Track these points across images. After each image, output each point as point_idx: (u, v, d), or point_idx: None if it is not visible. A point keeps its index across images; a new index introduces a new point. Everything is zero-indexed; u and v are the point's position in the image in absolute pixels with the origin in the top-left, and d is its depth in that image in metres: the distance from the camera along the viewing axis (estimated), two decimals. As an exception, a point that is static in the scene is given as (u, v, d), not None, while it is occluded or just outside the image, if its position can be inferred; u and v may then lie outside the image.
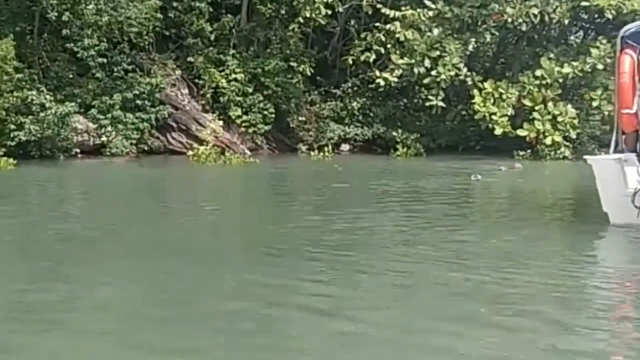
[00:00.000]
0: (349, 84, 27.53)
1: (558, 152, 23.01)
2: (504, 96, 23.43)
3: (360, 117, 27.10)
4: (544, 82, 23.18)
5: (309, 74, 26.70)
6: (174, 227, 10.25)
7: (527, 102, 23.28)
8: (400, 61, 24.42)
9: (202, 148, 22.86)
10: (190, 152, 23.18)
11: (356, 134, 26.66)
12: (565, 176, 19.36)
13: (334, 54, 28.45)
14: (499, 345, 5.12)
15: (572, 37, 27.41)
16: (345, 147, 26.64)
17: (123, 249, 8.40)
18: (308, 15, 25.28)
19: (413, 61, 24.20)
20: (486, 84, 23.87)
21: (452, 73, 23.62)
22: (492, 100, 23.47)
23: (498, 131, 23.34)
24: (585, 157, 10.52)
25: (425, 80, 24.16)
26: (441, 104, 24.10)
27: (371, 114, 27.29)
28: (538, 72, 23.38)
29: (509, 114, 23.44)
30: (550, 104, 23.11)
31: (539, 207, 12.70)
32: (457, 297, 6.42)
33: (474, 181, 16.29)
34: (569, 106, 23.45)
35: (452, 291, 6.68)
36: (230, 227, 10.29)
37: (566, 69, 23.01)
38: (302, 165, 22.32)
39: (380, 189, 14.63)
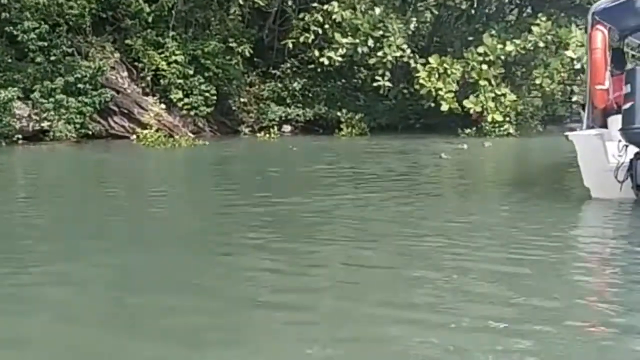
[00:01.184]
0: (288, 65, 27.54)
1: (502, 129, 23.44)
2: (448, 71, 23.67)
3: (301, 98, 27.16)
4: (486, 58, 23.54)
5: (248, 55, 26.53)
6: (140, 216, 9.65)
7: (473, 75, 23.52)
8: (345, 40, 24.46)
9: (146, 131, 22.57)
10: (133, 136, 22.91)
11: (297, 115, 26.70)
12: (527, 152, 19.66)
13: (271, 34, 28.37)
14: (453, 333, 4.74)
15: (509, 15, 27.84)
16: (287, 128, 26.65)
17: (86, 243, 7.54)
18: (249, -6, 25.12)
19: (357, 41, 24.28)
20: (431, 59, 24.10)
21: (398, 54, 23.79)
22: (436, 76, 23.69)
23: (444, 107, 23.65)
24: (566, 133, 10.63)
25: (372, 61, 24.27)
26: (388, 84, 24.22)
27: (311, 95, 27.39)
28: (481, 49, 23.73)
29: (454, 89, 23.71)
30: (493, 82, 23.51)
31: (516, 183, 12.87)
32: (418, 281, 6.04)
33: (444, 159, 16.38)
34: (508, 89, 23.83)
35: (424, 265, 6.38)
36: (200, 214, 9.71)
37: (509, 47, 23.45)
38: (253, 147, 22.11)
39: (355, 170, 14.17)
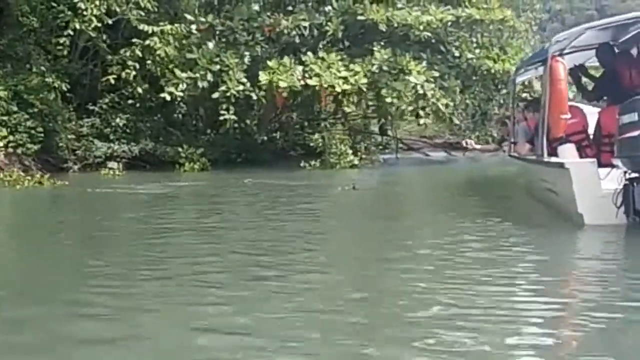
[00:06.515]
0: (107, 100, 26.74)
1: (346, 160, 24.27)
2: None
3: (124, 134, 26.45)
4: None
5: (65, 89, 25.43)
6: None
7: None
8: (184, 75, 24.23)
9: (-14, 172, 21.02)
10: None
11: (123, 151, 25.93)
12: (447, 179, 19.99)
13: (83, 69, 27.40)
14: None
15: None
16: (113, 164, 25.58)
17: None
18: (78, 27, 24.09)
19: (197, 75, 24.15)
20: (285, 59, 24.22)
21: (240, 87, 23.91)
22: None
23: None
24: (561, 160, 11.24)
25: (215, 95, 24.16)
26: (233, 117, 24.11)
27: (129, 131, 26.72)
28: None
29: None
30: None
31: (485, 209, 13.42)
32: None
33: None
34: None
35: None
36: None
37: (356, 72, 23.71)
38: (118, 183, 21.10)
39: (296, 207, 13.54)
